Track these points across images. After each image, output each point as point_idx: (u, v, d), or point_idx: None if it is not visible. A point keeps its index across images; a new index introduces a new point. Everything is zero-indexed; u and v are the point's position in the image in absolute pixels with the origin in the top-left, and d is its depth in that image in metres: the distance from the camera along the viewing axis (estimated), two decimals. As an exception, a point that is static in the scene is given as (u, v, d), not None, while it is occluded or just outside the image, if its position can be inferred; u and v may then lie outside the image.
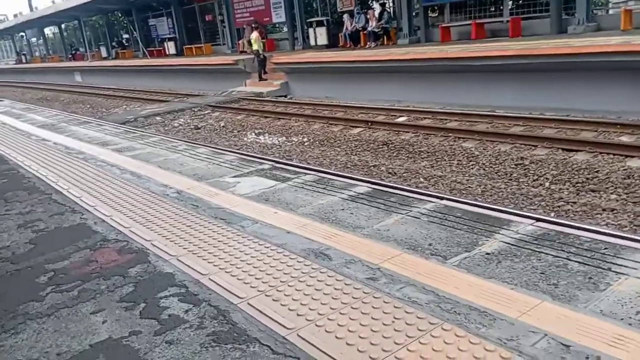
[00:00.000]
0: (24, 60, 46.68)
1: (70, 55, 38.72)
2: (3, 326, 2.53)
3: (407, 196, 3.76)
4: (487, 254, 2.68)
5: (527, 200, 5.68)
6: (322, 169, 6.03)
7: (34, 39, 49.21)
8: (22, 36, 49.62)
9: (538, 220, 3.01)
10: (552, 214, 5.19)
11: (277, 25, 23.03)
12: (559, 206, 5.43)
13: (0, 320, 2.58)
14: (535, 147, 7.45)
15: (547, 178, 6.29)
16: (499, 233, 2.92)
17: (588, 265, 2.46)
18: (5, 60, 53.50)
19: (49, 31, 46.36)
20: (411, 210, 3.44)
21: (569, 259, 2.53)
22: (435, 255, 2.75)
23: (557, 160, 6.81)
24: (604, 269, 2.42)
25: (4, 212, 4.34)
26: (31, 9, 44.64)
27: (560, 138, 7.62)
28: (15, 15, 49.32)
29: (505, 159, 7.16)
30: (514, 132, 8.36)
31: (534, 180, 6.27)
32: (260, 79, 16.69)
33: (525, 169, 6.69)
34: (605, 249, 2.59)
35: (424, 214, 3.34)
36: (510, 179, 6.41)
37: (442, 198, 3.67)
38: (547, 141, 7.53)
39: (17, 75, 38.77)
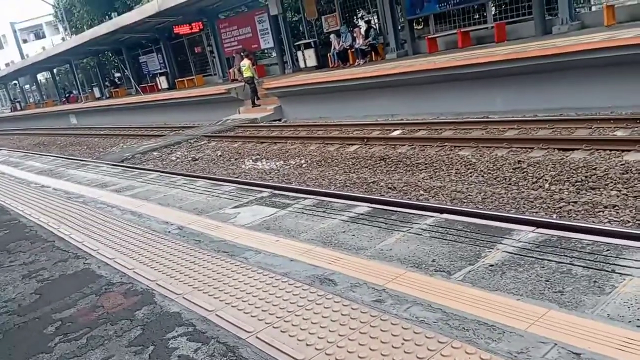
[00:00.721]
0: (18, 108, 47.07)
1: (64, 99, 39.10)
2: (13, 382, 2.52)
3: (407, 213, 3.77)
4: (491, 265, 2.68)
5: (528, 203, 5.67)
6: (321, 190, 6.05)
7: (27, 86, 49.75)
8: (15, 84, 50.16)
9: (539, 227, 3.01)
10: (555, 216, 5.19)
11: (265, 51, 23.28)
12: (560, 207, 5.43)
13: (11, 376, 2.57)
14: (531, 150, 7.47)
15: (546, 179, 6.30)
16: (501, 243, 2.92)
17: (592, 268, 2.46)
18: (0, 110, 53.97)
19: (41, 77, 46.87)
20: (412, 227, 3.44)
21: (573, 264, 2.53)
22: (440, 271, 2.75)
23: (555, 161, 6.82)
24: (607, 271, 2.41)
25: (8, 263, 4.34)
26: (22, 57, 45.16)
27: (556, 138, 7.65)
28: (7, 64, 49.91)
29: (503, 164, 7.17)
30: (509, 136, 8.40)
31: (533, 183, 6.27)
32: (254, 105, 16.83)
33: (523, 172, 6.70)
34: (608, 250, 2.59)
35: (425, 230, 3.35)
36: (510, 184, 6.42)
37: (442, 212, 3.68)
38: (542, 142, 7.55)
39: (13, 122, 39.07)
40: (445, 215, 3.55)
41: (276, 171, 9.50)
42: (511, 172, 6.81)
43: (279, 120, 15.51)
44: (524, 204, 5.66)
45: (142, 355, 2.50)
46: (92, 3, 32.37)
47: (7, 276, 4.03)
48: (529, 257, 2.72)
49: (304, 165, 9.59)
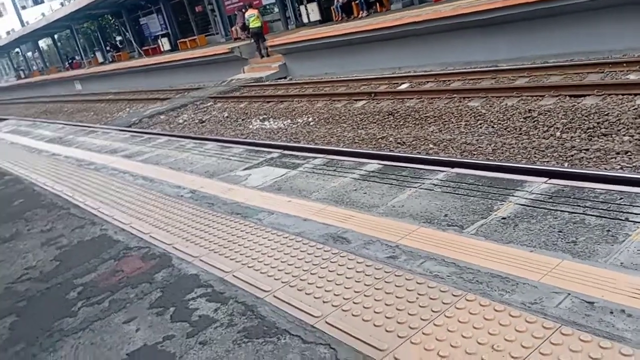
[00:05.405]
0: (22, 76, 46.87)
1: (68, 65, 38.80)
2: (41, 345, 2.61)
3: (418, 168, 3.76)
4: (503, 218, 2.69)
5: (540, 153, 5.63)
6: (331, 149, 6.04)
7: (29, 54, 49.32)
8: (17, 52, 49.76)
9: (551, 177, 3.00)
10: (566, 164, 5.15)
11: (267, 7, 22.74)
12: (572, 155, 5.39)
13: (38, 339, 2.66)
14: (542, 97, 7.35)
15: (557, 128, 6.23)
16: (513, 195, 2.92)
17: (605, 217, 2.46)
18: (5, 78, 53.76)
19: (43, 43, 46.41)
20: (423, 183, 3.44)
21: (586, 214, 2.53)
22: (452, 226, 2.77)
23: (566, 108, 6.72)
24: (621, 219, 2.41)
25: (26, 231, 4.43)
26: (22, 25, 44.56)
27: (567, 85, 7.50)
28: (7, 33, 49.36)
29: (513, 114, 7.09)
30: (519, 84, 8.25)
31: (544, 132, 6.21)
32: (262, 56, 16.53)
33: (534, 121, 6.62)
34: (621, 199, 2.58)
35: (436, 185, 3.35)
36: (520, 133, 6.36)
37: (453, 166, 3.67)
38: (553, 89, 7.42)
39: (19, 91, 38.99)
40: (456, 170, 3.54)
41: (284, 130, 9.47)
42: (522, 121, 6.73)
43: (285, 78, 15.33)
44: (535, 154, 5.62)
45: (164, 316, 2.57)
46: (88, -36, 31.55)
47: (26, 244, 4.11)
48: (541, 208, 2.72)
49: (311, 123, 9.53)
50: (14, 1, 52.02)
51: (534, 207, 2.76)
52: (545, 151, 5.63)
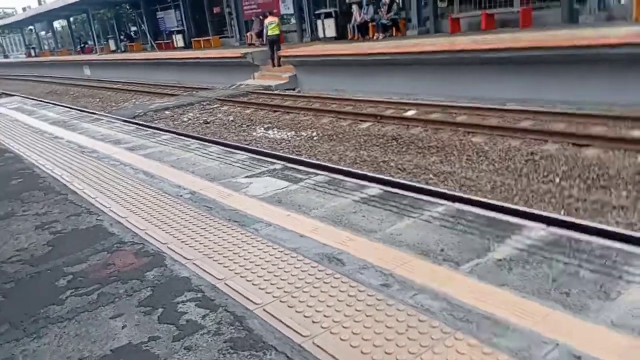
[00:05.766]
0: (33, 54, 46.91)
1: (79, 49, 38.91)
2: (25, 330, 2.60)
3: (418, 198, 3.79)
4: (499, 260, 2.72)
5: (537, 197, 5.68)
6: (334, 167, 6.08)
7: (42, 33, 49.41)
8: (31, 30, 49.88)
9: (550, 224, 3.04)
10: (562, 212, 5.20)
11: (285, 17, 22.95)
12: (569, 204, 5.44)
13: (23, 324, 2.65)
14: (545, 142, 7.43)
15: (557, 174, 6.29)
16: (510, 238, 2.95)
17: (599, 273, 2.49)
18: (14, 54, 53.83)
19: (57, 24, 46.53)
20: (423, 214, 3.47)
21: (581, 266, 2.56)
22: (448, 261, 2.79)
23: (567, 156, 6.79)
24: (615, 277, 2.44)
25: (21, 212, 4.42)
26: (40, 3, 44.76)
27: (571, 133, 7.59)
28: (24, 9, 49.52)
29: (515, 154, 7.15)
30: (524, 126, 8.34)
31: (544, 177, 6.27)
32: (275, 65, 16.63)
33: (535, 165, 6.68)
34: (617, 256, 2.62)
35: (435, 218, 3.38)
36: (520, 175, 6.42)
37: (454, 200, 3.70)
38: (557, 136, 7.50)
39: (27, 68, 39.00)
40: (457, 205, 3.57)
41: (287, 142, 9.51)
42: (523, 163, 6.80)
43: (293, 89, 15.42)
44: (533, 197, 5.67)
45: (151, 316, 2.57)
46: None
47: (20, 225, 4.10)
48: (537, 255, 2.75)
49: (315, 138, 9.58)
50: (33, -22, 52.33)
51: (530, 252, 2.79)
52: (543, 196, 5.68)
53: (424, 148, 8.07)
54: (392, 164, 7.44)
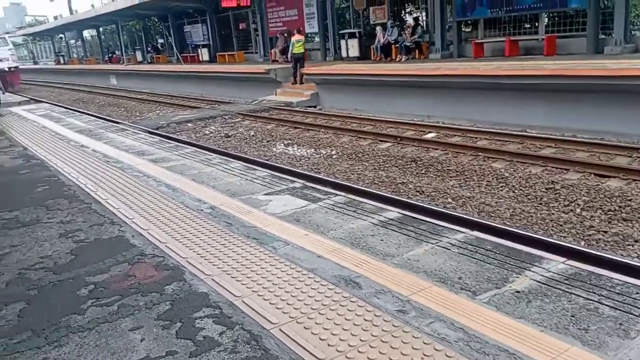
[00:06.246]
0: (61, 61, 48.09)
1: (107, 58, 39.79)
2: (47, 338, 2.66)
3: (437, 224, 3.80)
4: (517, 292, 2.71)
5: (557, 227, 5.63)
6: (354, 187, 6.11)
7: (72, 41, 50.71)
8: (61, 38, 51.20)
9: (570, 257, 3.02)
10: (583, 243, 5.14)
11: (309, 36, 23.24)
12: (589, 235, 5.37)
13: (44, 332, 2.71)
14: (566, 171, 7.37)
15: (578, 204, 6.23)
16: (529, 270, 2.94)
17: (619, 310, 2.46)
18: (44, 61, 55.24)
19: (87, 34, 47.71)
20: (441, 240, 3.48)
21: (601, 303, 2.54)
22: (465, 290, 2.79)
23: (589, 186, 6.73)
24: (635, 315, 2.42)
25: (46, 219, 4.52)
26: (71, 12, 46.04)
27: (593, 163, 7.52)
28: (55, 18, 50.95)
29: (536, 182, 7.10)
30: (545, 154, 8.29)
31: (564, 206, 6.21)
32: (296, 82, 16.82)
33: (556, 194, 6.63)
34: (637, 293, 2.59)
35: (454, 245, 3.38)
36: (540, 203, 6.36)
37: (472, 227, 3.70)
38: (579, 165, 7.45)
39: (55, 75, 40.01)
40: (476, 232, 3.57)
41: (306, 159, 9.57)
42: (543, 191, 6.75)
43: (314, 106, 15.55)
44: (553, 227, 5.62)
45: (169, 331, 2.61)
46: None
47: (44, 232, 4.20)
48: (557, 288, 2.73)
49: (334, 156, 9.64)
50: (66, -11, 53.97)
51: (550, 285, 2.77)
52: (564, 226, 5.62)
53: (443, 171, 8.06)
54: (410, 185, 7.44)
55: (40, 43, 57.87)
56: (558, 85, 9.77)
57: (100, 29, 42.96)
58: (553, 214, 6.01)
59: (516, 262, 3.07)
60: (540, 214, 6.01)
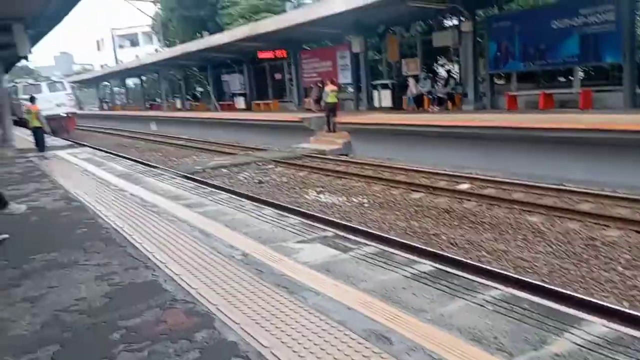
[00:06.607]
0: (105, 107, 50.34)
1: (149, 105, 41.46)
2: (78, 382, 2.68)
3: (471, 280, 3.71)
4: (557, 355, 2.59)
5: (598, 285, 5.42)
6: (387, 237, 6.05)
7: (116, 88, 53.22)
8: (105, 85, 53.81)
9: (612, 319, 2.89)
10: (625, 303, 4.92)
11: (343, 86, 23.76)
12: (632, 295, 5.15)
13: (76, 376, 2.74)
14: (607, 228, 7.15)
15: (619, 262, 6.00)
16: (568, 332, 2.82)
17: (667, 379, 2.33)
18: (88, 106, 57.92)
19: (130, 81, 50.06)
20: (476, 296, 3.39)
21: (646, 370, 2.41)
22: (501, 351, 2.69)
23: (631, 244, 6.49)
24: (685, 385, 2.28)
25: (83, 262, 4.62)
26: (116, 62, 48.52)
27: (635, 219, 7.27)
28: (101, 66, 53.73)
29: (574, 238, 6.90)
30: (584, 209, 8.08)
31: (605, 264, 5.99)
32: (330, 130, 17.09)
33: (596, 250, 6.41)
34: (687, 362, 2.45)
35: (489, 302, 3.29)
36: (580, 260, 6.16)
37: (508, 284, 3.60)
38: (620, 222, 7.22)
39: (99, 120, 41.84)
40: (511, 289, 3.47)
41: (338, 207, 9.59)
42: (582, 247, 6.54)
43: (347, 155, 15.69)
44: (594, 285, 5.41)
45: (198, 380, 2.59)
46: (186, 21, 34.47)
47: (81, 275, 4.29)
48: (598, 353, 2.61)
49: (365, 205, 9.63)
50: (113, 40, 57.10)
51: (590, 349, 2.64)
52: (604, 285, 5.41)
53: (477, 223, 7.93)
54: (443, 237, 7.33)
55: (85, 89, 60.83)
56: (596, 140, 9.62)
57: (143, 77, 44.99)
58: (593, 271, 5.80)
59: (554, 323, 2.95)
60: (580, 272, 5.81)
